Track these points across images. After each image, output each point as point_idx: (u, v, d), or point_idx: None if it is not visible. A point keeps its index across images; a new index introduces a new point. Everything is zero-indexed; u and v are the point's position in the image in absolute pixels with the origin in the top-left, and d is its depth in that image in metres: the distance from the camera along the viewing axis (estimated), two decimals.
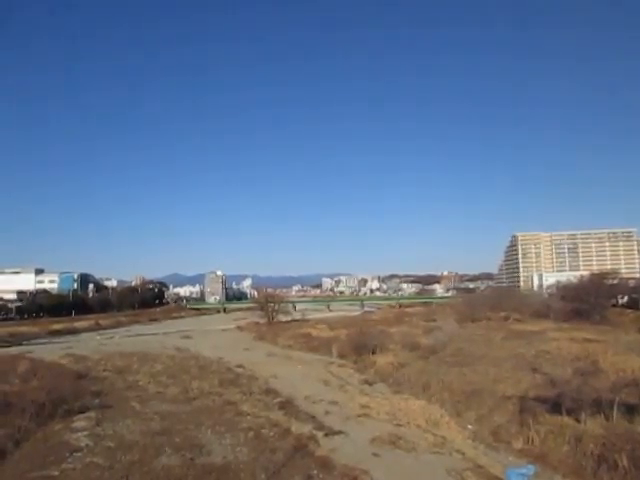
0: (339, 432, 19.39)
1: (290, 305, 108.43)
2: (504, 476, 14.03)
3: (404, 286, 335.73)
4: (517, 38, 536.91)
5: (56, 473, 14.45)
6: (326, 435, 18.92)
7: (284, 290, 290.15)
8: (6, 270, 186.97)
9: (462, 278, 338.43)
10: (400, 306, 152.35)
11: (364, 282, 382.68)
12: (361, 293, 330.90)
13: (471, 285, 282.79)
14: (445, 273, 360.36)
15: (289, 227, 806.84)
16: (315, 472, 14.39)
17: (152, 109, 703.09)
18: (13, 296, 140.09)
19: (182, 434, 18.40)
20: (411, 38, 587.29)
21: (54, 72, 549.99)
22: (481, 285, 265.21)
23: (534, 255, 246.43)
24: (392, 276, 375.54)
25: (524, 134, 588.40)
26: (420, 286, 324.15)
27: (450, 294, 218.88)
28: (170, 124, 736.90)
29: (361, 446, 17.58)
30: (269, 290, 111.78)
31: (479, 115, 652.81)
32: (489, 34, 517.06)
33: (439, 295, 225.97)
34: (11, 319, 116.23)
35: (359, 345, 43.10)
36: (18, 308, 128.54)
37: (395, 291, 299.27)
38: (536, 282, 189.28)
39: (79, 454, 16.27)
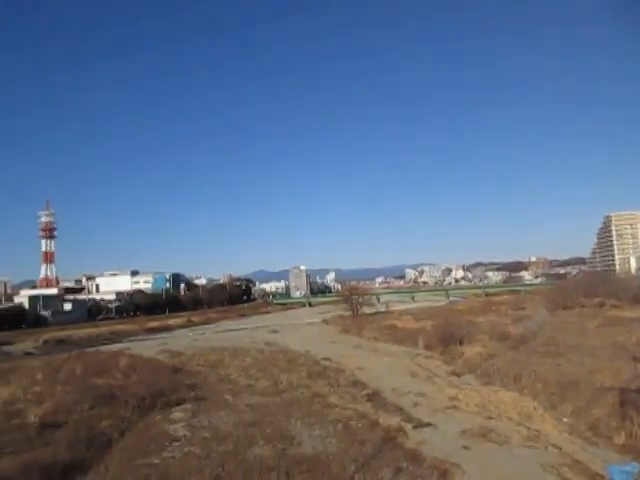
0: (428, 424, 19.11)
1: (374, 297, 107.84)
2: (605, 473, 13.15)
3: (490, 274, 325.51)
4: None
5: (157, 461, 15.31)
6: (415, 427, 18.70)
7: (367, 282, 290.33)
8: (105, 273, 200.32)
9: (552, 264, 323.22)
10: (486, 295, 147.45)
11: (448, 271, 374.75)
12: (445, 283, 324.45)
13: (562, 271, 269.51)
14: (533, 259, 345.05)
15: (370, 220, 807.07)
16: (404, 464, 14.26)
17: (238, 110, 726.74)
18: (112, 297, 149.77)
19: (273, 425, 18.87)
20: None
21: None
22: (572, 270, 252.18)
23: (630, 236, 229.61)
24: (477, 264, 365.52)
25: (615, 111, 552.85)
26: (506, 274, 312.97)
27: (539, 281, 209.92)
28: (256, 126, 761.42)
29: (451, 439, 17.23)
30: (352, 283, 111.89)
31: (568, 95, 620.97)
32: None
33: (527, 282, 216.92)
34: (111, 318, 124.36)
35: (446, 336, 42.17)
36: (117, 308, 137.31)
37: (480, 280, 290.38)
38: (634, 265, 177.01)
39: (178, 444, 17.14)
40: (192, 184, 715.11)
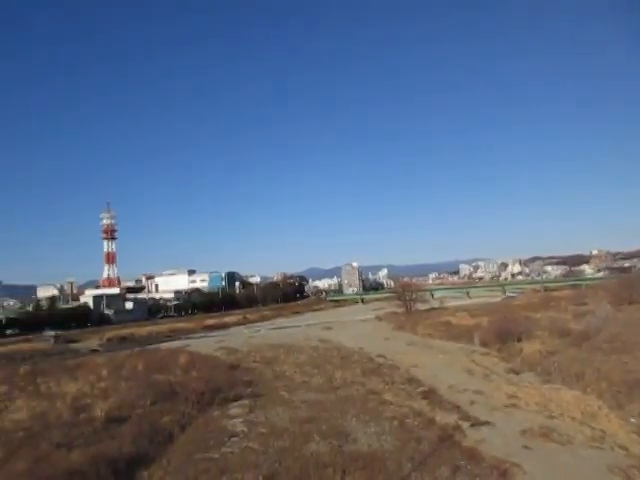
0: (486, 423, 18.74)
1: (428, 293, 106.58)
2: None
3: (548, 268, 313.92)
4: None
5: (217, 456, 15.69)
6: (472, 426, 18.39)
7: (421, 278, 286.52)
8: (164, 272, 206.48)
9: (615, 257, 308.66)
10: (545, 290, 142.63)
11: (504, 266, 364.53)
12: (501, 278, 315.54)
13: (626, 264, 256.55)
14: (595, 252, 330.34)
15: (423, 215, 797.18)
16: (462, 463, 14.06)
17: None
18: (171, 295, 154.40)
19: (328, 422, 18.98)
20: None
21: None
22: (638, 263, 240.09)
23: None
24: (534, 258, 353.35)
25: None
26: (566, 268, 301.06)
27: (602, 274, 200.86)
28: (305, 124, 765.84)
29: (510, 438, 16.83)
30: (405, 279, 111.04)
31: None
32: None
33: (589, 276, 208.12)
34: (170, 316, 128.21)
35: (503, 332, 41.15)
36: (176, 306, 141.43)
37: (538, 274, 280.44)
38: None
39: (236, 439, 17.51)
40: (246, 185, 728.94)
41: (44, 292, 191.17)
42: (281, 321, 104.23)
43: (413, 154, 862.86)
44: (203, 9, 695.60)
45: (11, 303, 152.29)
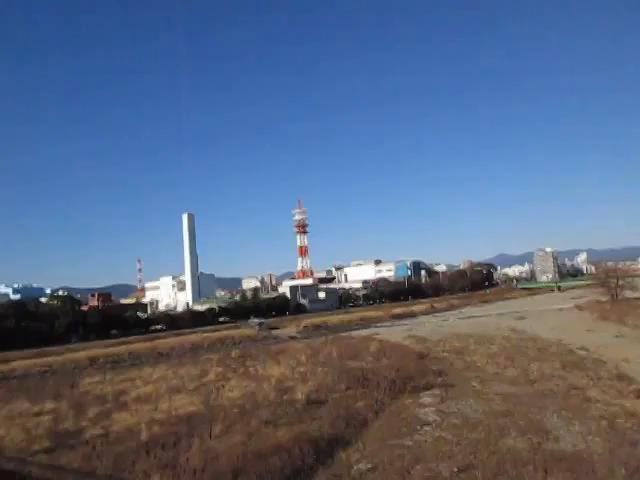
0: None
1: (638, 279, 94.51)
2: None
3: None
4: None
5: (410, 443, 15.94)
6: None
7: (628, 263, 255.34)
8: (352, 263, 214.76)
9: None
10: None
11: None
12: None
13: None
14: None
15: (626, 194, 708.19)
16: None
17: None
18: (359, 285, 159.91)
19: (525, 417, 18.04)
20: None
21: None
22: None
23: None
24: None
25: None
26: None
27: None
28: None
29: None
30: (609, 264, 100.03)
31: None
32: None
33: None
34: (359, 305, 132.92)
35: None
36: (364, 295, 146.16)
37: None
38: None
39: (428, 428, 17.58)
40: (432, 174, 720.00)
41: (248, 284, 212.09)
42: (469, 310, 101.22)
43: None
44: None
45: (222, 294, 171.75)
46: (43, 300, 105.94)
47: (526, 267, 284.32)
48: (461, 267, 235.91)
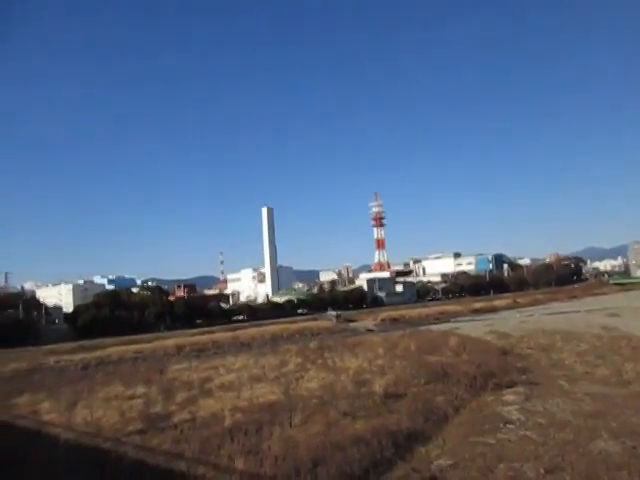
0: None
1: None
2: None
3: None
4: None
5: (493, 441, 15.49)
6: None
7: None
8: (430, 256, 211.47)
9: None
10: None
11: None
12: None
13: None
14: None
15: None
16: None
17: None
18: (438, 278, 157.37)
19: (618, 419, 16.99)
20: None
21: None
22: None
23: None
24: None
25: None
26: None
27: None
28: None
29: None
30: None
31: None
32: None
33: None
34: (438, 299, 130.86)
35: None
36: (443, 289, 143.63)
37: None
38: None
39: (512, 426, 17.00)
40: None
41: (325, 276, 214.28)
42: (556, 306, 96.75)
43: None
44: None
45: (300, 286, 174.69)
46: (134, 290, 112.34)
47: (619, 261, 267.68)
48: (547, 261, 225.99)
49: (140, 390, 27.18)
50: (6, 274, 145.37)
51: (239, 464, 12.97)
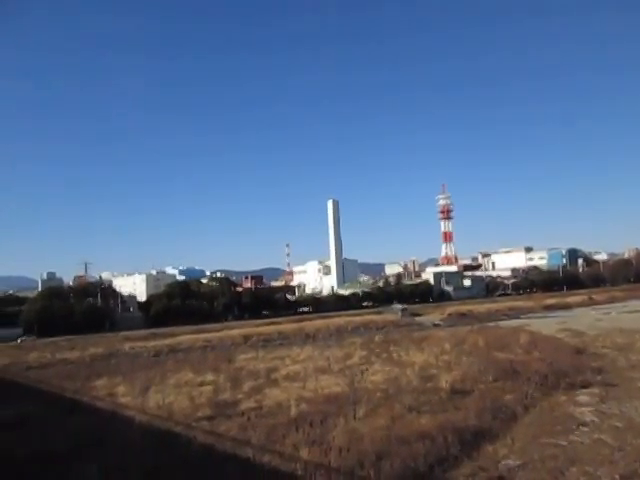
0: None
1: None
2: None
3: None
4: None
5: (564, 443, 14.91)
6: None
7: None
8: (500, 250, 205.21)
9: None
10: None
11: None
12: None
13: None
14: None
15: None
16: None
17: None
18: (508, 273, 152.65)
19: None
20: None
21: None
22: None
23: None
24: None
25: None
26: None
27: None
28: None
29: None
30: None
31: None
32: None
33: None
34: (508, 294, 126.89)
35: None
36: (513, 284, 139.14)
37: None
38: None
39: (585, 429, 16.30)
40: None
41: (391, 269, 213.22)
42: (635, 304, 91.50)
43: None
44: None
45: (365, 279, 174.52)
46: (204, 281, 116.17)
47: None
48: (625, 256, 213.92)
49: (209, 378, 28.17)
50: (86, 264, 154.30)
51: (304, 454, 13.19)
